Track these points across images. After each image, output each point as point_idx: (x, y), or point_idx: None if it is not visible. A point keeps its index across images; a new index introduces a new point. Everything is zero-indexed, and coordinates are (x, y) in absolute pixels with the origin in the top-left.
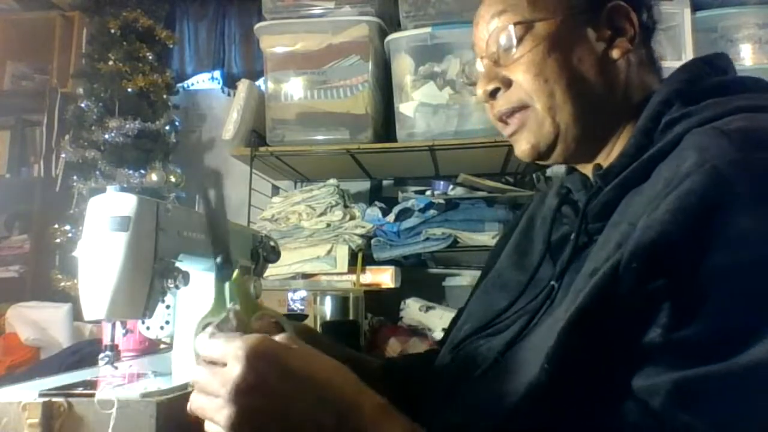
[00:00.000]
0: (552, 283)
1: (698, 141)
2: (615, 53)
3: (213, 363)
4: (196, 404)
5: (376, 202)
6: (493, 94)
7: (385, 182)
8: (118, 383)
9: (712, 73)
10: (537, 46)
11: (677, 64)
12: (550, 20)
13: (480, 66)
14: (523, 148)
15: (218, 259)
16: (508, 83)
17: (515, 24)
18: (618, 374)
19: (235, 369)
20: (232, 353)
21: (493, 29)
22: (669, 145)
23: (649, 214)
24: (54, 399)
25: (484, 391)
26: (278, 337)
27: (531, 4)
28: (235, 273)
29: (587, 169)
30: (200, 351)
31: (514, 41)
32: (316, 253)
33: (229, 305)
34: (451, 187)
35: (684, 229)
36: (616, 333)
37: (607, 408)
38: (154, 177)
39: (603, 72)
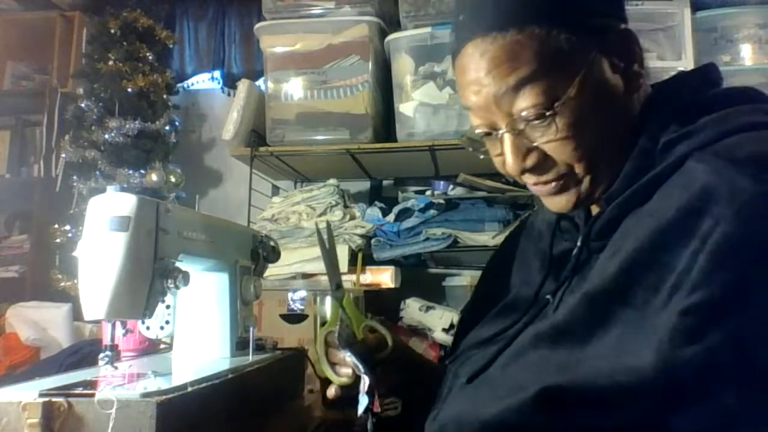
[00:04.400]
0: (547, 296)
1: (708, 176)
2: (631, 88)
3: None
4: None
5: (376, 202)
6: (532, 170)
7: (385, 182)
8: (118, 383)
9: (705, 86)
10: (570, 120)
11: (677, 64)
12: (576, 85)
13: (479, 127)
14: (561, 206)
15: (334, 286)
16: (544, 157)
17: (540, 108)
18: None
19: None
20: None
21: (512, 109)
22: (670, 168)
23: (682, 274)
24: (54, 399)
25: (470, 394)
26: None
27: (548, 71)
28: (346, 295)
29: None
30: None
31: (544, 121)
32: (316, 253)
33: (342, 317)
34: (451, 187)
35: (725, 288)
36: (642, 405)
37: None
38: (154, 177)
39: (627, 107)
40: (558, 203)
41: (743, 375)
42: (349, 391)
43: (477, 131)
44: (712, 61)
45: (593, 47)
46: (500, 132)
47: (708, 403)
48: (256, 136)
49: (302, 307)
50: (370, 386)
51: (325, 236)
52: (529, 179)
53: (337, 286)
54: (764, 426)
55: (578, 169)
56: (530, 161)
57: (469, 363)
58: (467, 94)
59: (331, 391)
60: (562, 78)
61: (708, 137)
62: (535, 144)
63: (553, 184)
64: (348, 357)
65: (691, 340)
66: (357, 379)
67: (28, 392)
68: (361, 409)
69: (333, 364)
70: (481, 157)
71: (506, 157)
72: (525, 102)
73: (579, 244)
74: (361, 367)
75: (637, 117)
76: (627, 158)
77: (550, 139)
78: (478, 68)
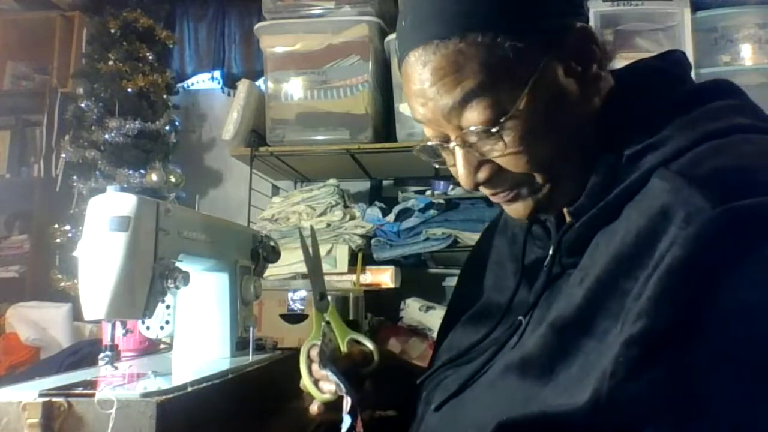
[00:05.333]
0: (519, 318)
1: (667, 196)
2: (593, 87)
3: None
4: None
5: (376, 202)
6: (486, 182)
7: (385, 182)
8: (118, 383)
9: (669, 84)
10: (522, 131)
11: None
12: (525, 95)
13: (431, 138)
14: (518, 213)
15: (318, 296)
16: (497, 170)
17: (488, 123)
18: None
19: None
20: None
21: (459, 125)
22: (635, 184)
23: (635, 298)
24: (54, 399)
25: (441, 424)
26: None
27: (493, 83)
28: (330, 306)
29: None
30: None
31: (493, 136)
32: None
33: (326, 331)
34: (451, 187)
35: (670, 317)
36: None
37: None
38: (154, 177)
39: (585, 111)
40: (515, 210)
41: (682, 410)
42: (333, 406)
43: (429, 143)
44: (711, 60)
45: (544, 52)
46: (451, 145)
47: None
48: (256, 136)
49: (302, 307)
50: (352, 406)
51: (308, 243)
52: (484, 191)
53: (321, 297)
54: None
55: (536, 179)
56: (482, 174)
57: (442, 386)
58: (414, 105)
59: (314, 408)
60: (509, 89)
61: (672, 150)
62: (487, 158)
63: (509, 193)
64: (330, 376)
65: (633, 375)
66: (341, 395)
67: (28, 392)
68: (344, 430)
69: (316, 380)
70: (436, 166)
71: (459, 170)
72: (472, 116)
73: (551, 254)
74: (343, 387)
75: (600, 120)
76: (590, 164)
77: (501, 153)
78: (422, 80)
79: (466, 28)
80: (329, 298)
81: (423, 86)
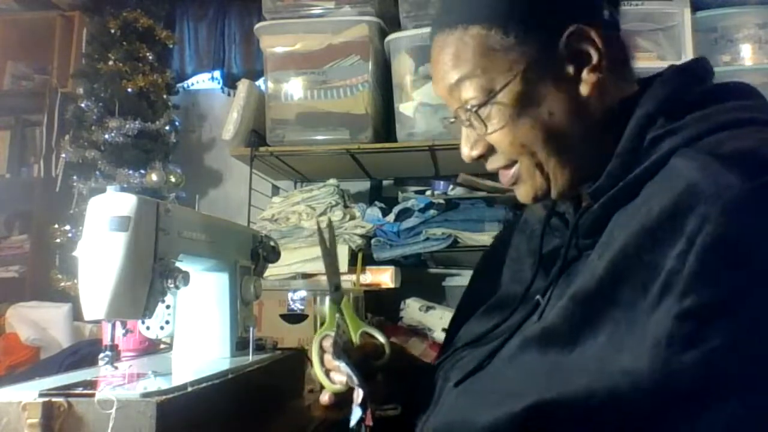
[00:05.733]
0: (537, 297)
1: (692, 172)
2: (584, 90)
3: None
4: None
5: (376, 202)
6: (480, 157)
7: (385, 182)
8: (118, 383)
9: (693, 83)
10: (504, 114)
11: (677, 64)
12: (510, 84)
13: (451, 114)
14: (523, 197)
15: (333, 287)
16: (491, 148)
17: (475, 103)
18: None
19: None
20: None
21: (457, 101)
22: (655, 165)
23: (671, 274)
24: (54, 399)
25: (460, 399)
26: None
27: (485, 69)
28: (344, 298)
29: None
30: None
31: (481, 115)
32: (316, 253)
33: (340, 322)
34: (451, 187)
35: (718, 289)
36: (642, 413)
37: None
38: (154, 177)
39: (578, 113)
40: (519, 194)
41: (745, 379)
42: (343, 398)
43: (451, 120)
44: (711, 60)
45: (534, 49)
46: (457, 121)
47: (712, 411)
48: (256, 136)
49: (302, 307)
50: (363, 398)
51: (326, 235)
52: (488, 167)
53: (335, 288)
54: None
55: (523, 163)
56: (476, 151)
57: (459, 366)
58: (432, 84)
59: (324, 398)
60: (497, 76)
61: (692, 134)
62: (480, 134)
63: (508, 174)
64: (343, 367)
65: (689, 345)
66: (351, 387)
67: (28, 392)
68: (353, 422)
69: (328, 370)
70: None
71: (461, 144)
72: (464, 95)
73: (568, 238)
74: (355, 378)
75: (620, 112)
76: (585, 156)
77: (488, 132)
78: (436, 61)
79: (468, 20)
80: (344, 290)
81: (436, 67)
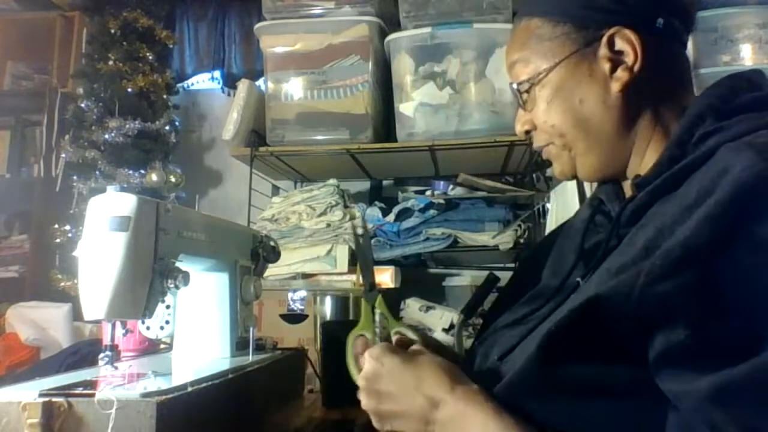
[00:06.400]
0: (578, 280)
1: (729, 156)
2: (615, 86)
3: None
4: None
5: (376, 202)
6: (527, 132)
7: (385, 182)
8: (118, 383)
9: (747, 89)
10: (542, 95)
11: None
12: (551, 69)
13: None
14: (555, 172)
15: (368, 287)
16: (534, 125)
17: (523, 81)
18: (620, 371)
19: (366, 366)
20: (367, 357)
21: (513, 79)
22: (701, 157)
23: (681, 225)
24: (54, 399)
25: (501, 374)
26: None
27: (535, 54)
28: (378, 297)
29: (622, 180)
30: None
31: (527, 93)
32: (316, 253)
33: (380, 319)
34: (451, 187)
35: (710, 235)
36: (628, 329)
37: (612, 402)
38: (154, 177)
39: (607, 106)
40: (555, 169)
41: (702, 313)
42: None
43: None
44: (711, 60)
45: (578, 44)
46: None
47: (667, 333)
48: (256, 136)
49: (302, 307)
50: None
51: (362, 241)
52: (534, 144)
53: (370, 288)
54: (717, 359)
55: (555, 143)
56: (523, 127)
57: (500, 343)
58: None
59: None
60: (542, 61)
61: (740, 130)
62: (529, 117)
63: (545, 151)
64: None
65: (664, 276)
66: None
67: (28, 392)
68: None
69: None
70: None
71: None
72: (517, 74)
73: (611, 228)
74: None
75: (671, 114)
76: (635, 152)
77: (532, 109)
78: (507, 44)
79: (533, 13)
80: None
81: (507, 49)
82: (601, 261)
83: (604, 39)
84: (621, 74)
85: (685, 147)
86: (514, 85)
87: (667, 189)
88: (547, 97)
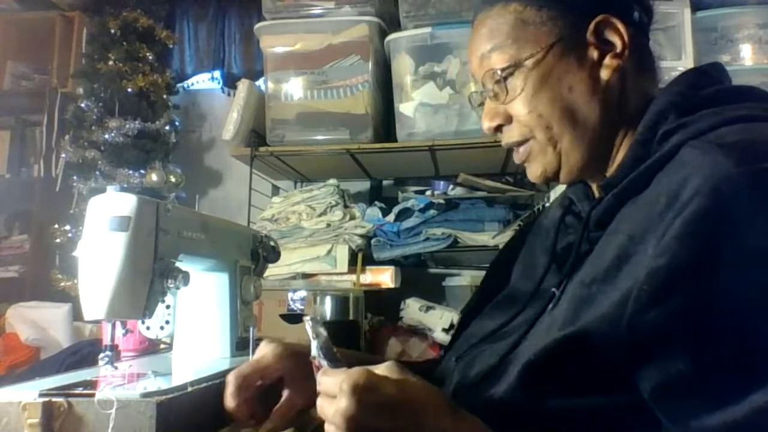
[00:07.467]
0: (553, 290)
1: (696, 158)
2: (604, 74)
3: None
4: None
5: (376, 202)
6: (498, 128)
7: (385, 182)
8: (118, 383)
9: (707, 83)
10: (527, 83)
11: (677, 64)
12: (536, 55)
13: (475, 86)
14: (532, 174)
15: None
16: (509, 119)
17: (502, 69)
18: (604, 400)
19: (341, 401)
20: (339, 387)
21: (486, 70)
22: (665, 156)
23: (659, 240)
24: (54, 399)
25: (482, 394)
26: (380, 368)
27: (516, 40)
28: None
29: (594, 181)
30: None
31: (506, 82)
32: (316, 253)
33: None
34: (451, 187)
35: (693, 255)
36: (618, 357)
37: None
38: (154, 177)
39: (596, 95)
40: (529, 172)
41: (694, 337)
42: None
43: (474, 91)
44: (711, 60)
45: (562, 30)
46: (483, 93)
47: (664, 363)
48: (256, 136)
49: (302, 307)
50: None
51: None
52: (502, 140)
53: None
54: (718, 389)
55: (538, 136)
56: (494, 122)
57: (479, 362)
58: (469, 59)
59: None
60: (525, 48)
61: (702, 127)
62: (503, 108)
63: (520, 150)
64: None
65: (653, 303)
66: None
67: (28, 392)
68: None
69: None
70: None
71: (482, 118)
72: (493, 62)
73: (581, 231)
74: None
75: (639, 109)
76: (612, 148)
77: (510, 99)
78: (473, 36)
79: None
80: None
81: (471, 42)
82: (574, 267)
83: (592, 26)
84: (610, 62)
85: (648, 146)
86: (493, 74)
87: (634, 191)
88: (532, 83)
